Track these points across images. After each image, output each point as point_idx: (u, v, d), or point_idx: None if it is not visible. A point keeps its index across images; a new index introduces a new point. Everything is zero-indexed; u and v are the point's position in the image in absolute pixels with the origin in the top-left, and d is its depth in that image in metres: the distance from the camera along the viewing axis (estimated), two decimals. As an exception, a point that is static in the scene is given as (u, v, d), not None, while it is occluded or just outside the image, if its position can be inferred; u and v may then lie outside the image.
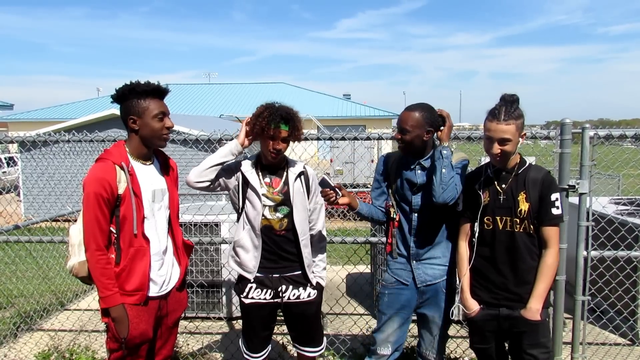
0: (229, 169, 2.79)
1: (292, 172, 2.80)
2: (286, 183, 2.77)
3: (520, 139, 2.50)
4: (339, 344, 4.07)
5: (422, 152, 2.68)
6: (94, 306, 5.20)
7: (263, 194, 2.73)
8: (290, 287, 2.80)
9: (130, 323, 2.36)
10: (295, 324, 2.91)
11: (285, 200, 2.75)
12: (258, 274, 2.78)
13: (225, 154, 2.71)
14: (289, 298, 2.80)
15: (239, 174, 2.78)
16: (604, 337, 4.37)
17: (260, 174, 2.78)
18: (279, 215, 2.75)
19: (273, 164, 2.78)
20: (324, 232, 2.98)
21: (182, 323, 4.54)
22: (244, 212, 2.78)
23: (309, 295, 2.83)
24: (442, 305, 2.73)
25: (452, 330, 4.49)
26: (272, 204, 2.74)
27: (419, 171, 2.69)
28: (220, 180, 2.76)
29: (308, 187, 2.84)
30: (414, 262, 2.73)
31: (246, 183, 2.75)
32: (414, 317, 2.84)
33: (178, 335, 2.90)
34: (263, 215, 2.72)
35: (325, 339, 3.02)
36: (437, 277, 2.72)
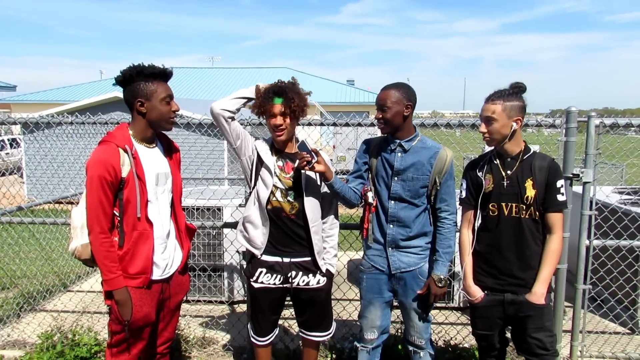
0: (249, 136, 2.78)
1: None
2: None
3: (515, 124, 2.49)
4: (340, 328, 4.09)
5: (404, 131, 2.68)
6: (96, 288, 5.24)
7: (276, 175, 2.72)
8: (300, 273, 2.80)
9: (134, 306, 2.37)
10: (303, 310, 2.91)
11: (296, 185, 2.74)
12: (268, 258, 2.78)
13: (251, 91, 2.72)
14: (298, 284, 2.80)
15: (256, 149, 2.76)
16: (603, 326, 4.38)
17: (274, 156, 2.77)
18: (290, 199, 2.74)
19: (284, 146, 2.76)
20: (337, 219, 2.95)
21: (184, 306, 4.57)
22: (255, 189, 2.77)
23: (318, 282, 2.83)
24: (418, 290, 2.74)
25: (452, 317, 4.52)
26: (283, 187, 2.73)
27: (399, 154, 2.68)
28: (239, 130, 2.73)
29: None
30: (390, 249, 2.73)
31: (260, 162, 2.74)
32: (397, 303, 2.87)
33: (180, 318, 2.91)
34: (275, 197, 2.72)
35: (334, 324, 3.03)
36: (412, 265, 2.73)
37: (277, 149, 2.79)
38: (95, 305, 4.84)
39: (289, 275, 2.79)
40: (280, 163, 2.77)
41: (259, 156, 2.76)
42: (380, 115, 2.63)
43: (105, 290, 2.37)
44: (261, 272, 2.80)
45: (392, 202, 2.70)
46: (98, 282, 4.99)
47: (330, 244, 2.91)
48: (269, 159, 2.74)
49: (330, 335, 3.00)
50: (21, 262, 6.37)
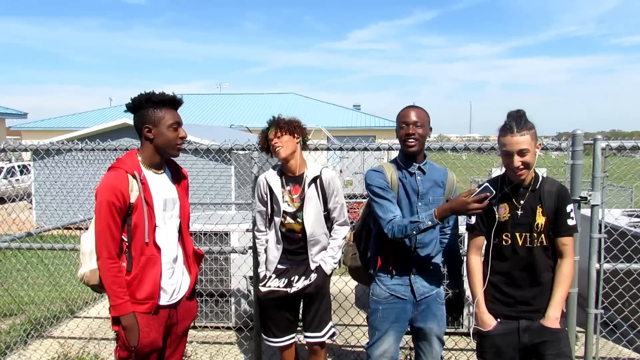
0: (261, 199, 3.15)
1: (308, 177, 3.06)
2: (304, 189, 3.05)
3: (537, 150, 2.47)
4: (348, 354, 4.04)
5: (422, 154, 2.70)
6: (103, 314, 5.22)
7: (285, 201, 3.05)
8: (302, 277, 3.08)
9: (141, 332, 2.37)
10: (304, 308, 3.16)
11: (303, 206, 3.06)
12: (280, 266, 3.12)
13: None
14: (298, 287, 3.05)
15: (266, 181, 3.11)
16: (617, 352, 4.30)
17: (283, 182, 3.09)
18: (299, 219, 3.07)
19: (288, 166, 3.06)
20: (347, 226, 3.17)
21: (191, 332, 4.54)
22: (271, 215, 3.14)
23: (310, 279, 3.08)
24: (438, 314, 2.71)
25: (462, 343, 4.45)
26: (292, 210, 3.07)
27: (419, 177, 2.66)
28: (265, 211, 3.17)
29: (323, 190, 3.07)
30: (413, 275, 2.68)
31: (272, 192, 3.09)
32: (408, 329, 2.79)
33: (187, 344, 2.89)
34: (286, 219, 3.07)
35: (331, 331, 3.15)
36: (434, 288, 2.71)
37: (285, 174, 3.10)
38: (102, 332, 4.82)
39: (292, 279, 3.08)
40: (289, 187, 3.08)
41: (270, 187, 3.09)
42: (413, 131, 2.57)
43: (112, 316, 2.37)
44: (270, 277, 3.12)
45: None
46: (105, 308, 4.98)
47: (333, 244, 3.11)
48: (277, 187, 3.08)
49: (321, 339, 3.11)
50: (29, 288, 6.38)
